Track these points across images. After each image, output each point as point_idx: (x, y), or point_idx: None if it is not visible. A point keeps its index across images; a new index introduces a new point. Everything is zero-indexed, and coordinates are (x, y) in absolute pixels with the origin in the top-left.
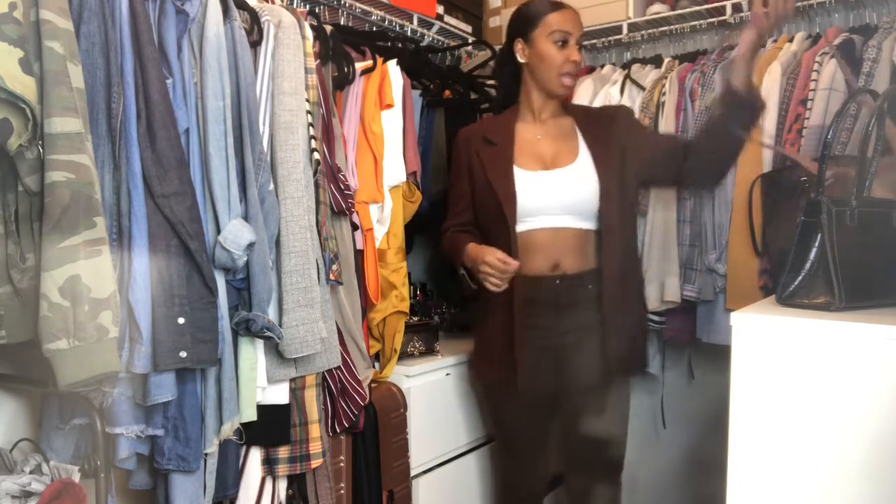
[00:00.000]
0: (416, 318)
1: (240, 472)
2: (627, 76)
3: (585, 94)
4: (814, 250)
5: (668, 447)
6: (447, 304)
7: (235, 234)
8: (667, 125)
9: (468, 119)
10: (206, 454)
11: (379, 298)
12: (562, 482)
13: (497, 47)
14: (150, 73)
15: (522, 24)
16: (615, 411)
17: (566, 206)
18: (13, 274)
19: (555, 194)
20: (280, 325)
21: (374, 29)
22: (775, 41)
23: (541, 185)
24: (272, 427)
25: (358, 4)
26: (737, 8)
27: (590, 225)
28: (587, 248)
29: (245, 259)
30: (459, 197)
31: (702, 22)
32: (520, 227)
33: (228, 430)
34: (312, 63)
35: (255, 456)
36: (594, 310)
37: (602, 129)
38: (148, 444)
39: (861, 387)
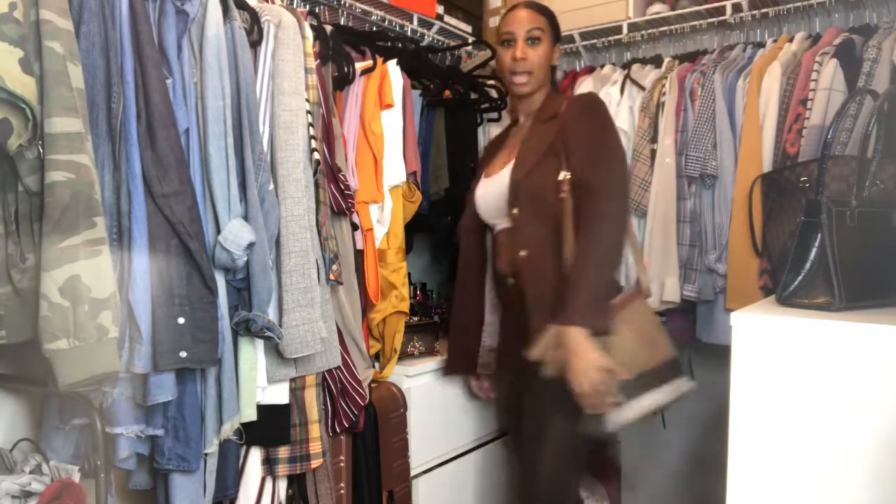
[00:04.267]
0: (416, 318)
1: (240, 472)
2: (627, 76)
3: None
4: (814, 250)
5: (668, 447)
6: (447, 303)
7: (235, 234)
8: (667, 125)
9: (468, 119)
10: (206, 454)
11: (379, 298)
12: None
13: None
14: (150, 73)
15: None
16: (542, 432)
17: (490, 211)
18: (13, 274)
19: (485, 200)
20: (280, 325)
21: (374, 29)
22: (775, 41)
23: (482, 190)
24: (272, 427)
25: (358, 4)
26: (737, 8)
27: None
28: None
29: (245, 259)
30: None
31: (702, 22)
32: (497, 228)
33: (228, 429)
34: (312, 63)
35: (255, 456)
36: (523, 313)
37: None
38: (148, 444)
39: (861, 387)
